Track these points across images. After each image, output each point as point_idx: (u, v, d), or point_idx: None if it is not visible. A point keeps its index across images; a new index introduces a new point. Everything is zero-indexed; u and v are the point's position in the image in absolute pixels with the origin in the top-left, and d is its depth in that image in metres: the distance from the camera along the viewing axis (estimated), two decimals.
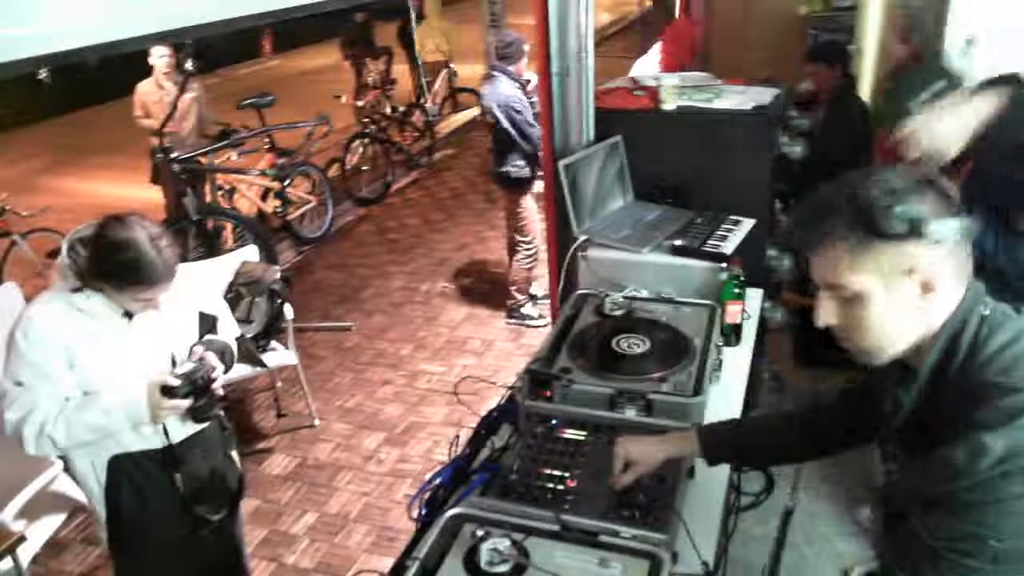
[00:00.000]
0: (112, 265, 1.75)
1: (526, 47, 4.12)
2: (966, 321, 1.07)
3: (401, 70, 8.93)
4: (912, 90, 1.90)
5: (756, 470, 1.61)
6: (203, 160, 5.12)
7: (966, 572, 1.05)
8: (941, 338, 1.08)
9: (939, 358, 1.08)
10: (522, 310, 4.70)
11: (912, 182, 1.05)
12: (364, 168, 6.90)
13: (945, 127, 1.80)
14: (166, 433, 1.94)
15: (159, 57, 5.19)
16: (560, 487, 1.52)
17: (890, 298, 1.07)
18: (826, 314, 1.12)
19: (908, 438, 1.15)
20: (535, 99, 4.17)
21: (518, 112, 4.18)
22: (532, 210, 4.52)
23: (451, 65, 8.69)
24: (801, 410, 1.51)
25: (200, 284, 2.15)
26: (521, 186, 4.48)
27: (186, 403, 1.86)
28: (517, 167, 4.39)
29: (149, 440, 1.94)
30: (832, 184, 1.10)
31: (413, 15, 8.12)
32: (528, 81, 4.23)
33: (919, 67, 2.10)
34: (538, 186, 4.40)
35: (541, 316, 4.67)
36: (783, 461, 1.56)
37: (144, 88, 5.31)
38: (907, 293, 1.06)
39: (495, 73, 4.30)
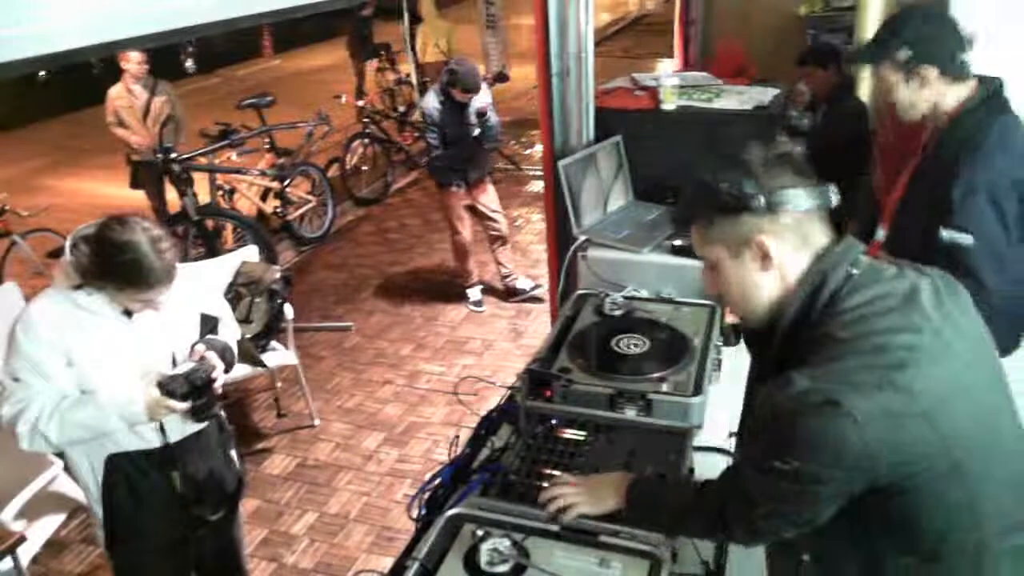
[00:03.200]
0: (112, 266, 1.75)
1: (463, 83, 4.36)
2: (824, 279, 1.15)
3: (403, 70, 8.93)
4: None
5: None
6: (203, 160, 5.11)
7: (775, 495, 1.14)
8: (800, 292, 1.16)
9: (797, 312, 1.16)
10: (517, 285, 4.96)
11: (760, 161, 1.17)
12: (364, 168, 6.90)
13: (912, 99, 1.94)
14: (163, 432, 1.94)
15: (136, 63, 5.01)
16: None
17: (738, 267, 1.20)
18: (708, 284, 1.28)
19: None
20: (488, 118, 4.61)
21: (422, 120, 4.63)
22: (453, 210, 4.78)
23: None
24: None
25: (201, 284, 2.15)
26: (436, 183, 4.84)
27: (184, 405, 1.85)
28: (429, 164, 4.82)
29: (146, 439, 1.94)
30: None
31: (406, 15, 8.11)
32: (465, 106, 4.50)
33: None
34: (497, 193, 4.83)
35: (478, 303, 4.98)
36: None
37: (114, 93, 5.15)
38: (749, 260, 1.18)
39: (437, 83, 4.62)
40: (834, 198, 1.17)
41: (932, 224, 1.89)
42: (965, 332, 1.17)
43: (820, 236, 1.18)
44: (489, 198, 4.83)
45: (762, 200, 1.13)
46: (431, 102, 4.47)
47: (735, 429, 1.83)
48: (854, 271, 1.14)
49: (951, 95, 1.92)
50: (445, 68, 4.55)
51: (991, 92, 1.91)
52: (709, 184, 1.19)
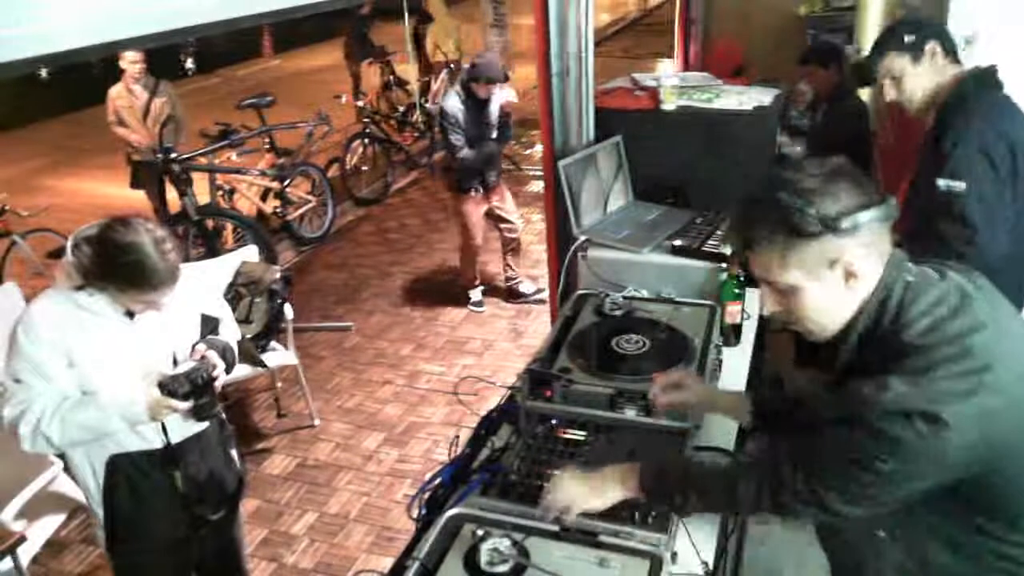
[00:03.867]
0: (115, 268, 1.75)
1: (487, 75, 4.22)
2: (890, 288, 1.19)
3: (403, 71, 8.93)
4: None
5: None
6: (203, 160, 5.12)
7: (856, 491, 1.17)
8: (871, 305, 1.20)
9: (869, 323, 1.20)
10: (520, 288, 4.92)
11: (823, 178, 1.17)
12: (364, 168, 6.90)
13: (920, 81, 2.08)
14: (164, 432, 1.94)
15: (131, 63, 5.03)
16: None
17: (819, 288, 1.20)
18: (770, 304, 1.28)
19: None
20: (508, 116, 4.48)
21: (443, 120, 4.37)
22: (469, 217, 4.67)
23: (452, 66, 8.67)
24: None
25: (202, 285, 2.15)
26: (451, 190, 4.68)
27: (185, 404, 1.85)
28: (445, 169, 4.71)
29: (148, 440, 1.93)
30: (759, 187, 1.23)
31: (406, 15, 8.13)
32: (487, 101, 4.35)
33: None
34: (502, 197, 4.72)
35: (479, 303, 4.94)
36: None
37: (115, 93, 5.16)
38: (833, 282, 1.19)
39: (456, 81, 4.50)
40: (896, 210, 1.19)
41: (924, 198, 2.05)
42: (1011, 313, 1.24)
43: (888, 246, 1.21)
44: (507, 201, 4.74)
45: (848, 221, 1.14)
46: (454, 102, 4.30)
47: (734, 429, 1.83)
48: (910, 278, 1.20)
49: (950, 71, 2.06)
50: (466, 65, 4.44)
51: (985, 70, 2.07)
52: (788, 206, 1.16)
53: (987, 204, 1.95)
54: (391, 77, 8.36)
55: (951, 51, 2.08)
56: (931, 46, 2.05)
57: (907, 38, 2.06)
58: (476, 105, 4.32)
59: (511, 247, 4.88)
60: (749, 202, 1.24)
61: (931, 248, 1.88)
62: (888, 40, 2.11)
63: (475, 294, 4.97)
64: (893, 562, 1.38)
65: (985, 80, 2.06)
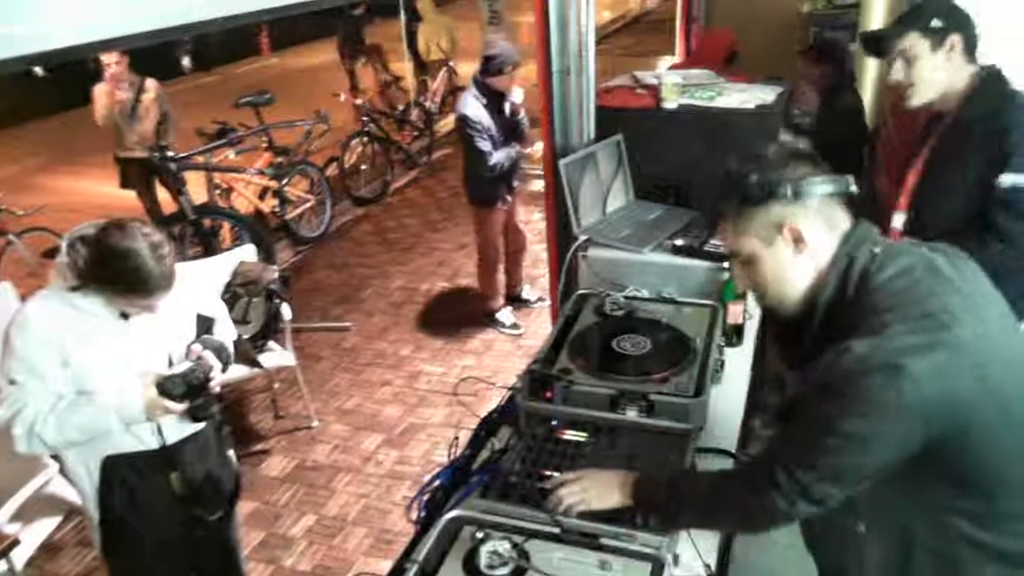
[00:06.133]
0: (112, 273, 1.75)
1: (511, 61, 3.94)
2: (853, 257, 1.23)
3: (399, 69, 8.91)
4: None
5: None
6: (200, 159, 5.09)
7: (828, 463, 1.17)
8: (832, 274, 1.24)
9: (833, 292, 1.24)
10: (522, 295, 4.80)
11: (779, 155, 1.29)
12: (363, 167, 6.88)
13: (932, 72, 1.98)
14: (161, 433, 1.93)
15: (107, 63, 4.96)
16: None
17: (772, 254, 1.27)
18: (740, 281, 1.37)
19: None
20: (521, 117, 4.13)
21: (468, 128, 3.97)
22: (494, 229, 4.39)
23: (451, 63, 8.66)
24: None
25: (198, 284, 2.13)
26: (477, 204, 4.36)
27: (182, 406, 1.84)
28: (470, 181, 4.30)
29: (143, 441, 1.92)
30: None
31: (402, 14, 8.13)
32: (507, 97, 4.02)
33: None
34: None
35: (515, 325, 4.61)
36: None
37: (100, 91, 5.12)
38: (783, 247, 1.26)
39: (471, 83, 4.15)
40: (852, 187, 1.26)
41: (962, 195, 1.96)
42: (985, 291, 1.26)
43: (843, 219, 1.26)
44: (521, 209, 4.52)
45: (789, 188, 1.22)
46: (473, 105, 3.94)
47: (737, 430, 1.82)
48: (876, 249, 1.23)
49: (964, 72, 1.98)
50: (484, 59, 4.02)
51: (995, 72, 1.99)
52: (736, 177, 1.26)
53: None
54: (387, 76, 8.36)
55: (971, 48, 1.97)
56: (954, 39, 1.94)
57: (934, 22, 1.95)
58: (494, 105, 4.00)
59: (522, 255, 4.74)
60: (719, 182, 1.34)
61: (987, 246, 1.84)
62: (914, 18, 1.99)
63: (505, 315, 4.63)
64: (874, 562, 1.37)
65: (1003, 83, 1.98)
